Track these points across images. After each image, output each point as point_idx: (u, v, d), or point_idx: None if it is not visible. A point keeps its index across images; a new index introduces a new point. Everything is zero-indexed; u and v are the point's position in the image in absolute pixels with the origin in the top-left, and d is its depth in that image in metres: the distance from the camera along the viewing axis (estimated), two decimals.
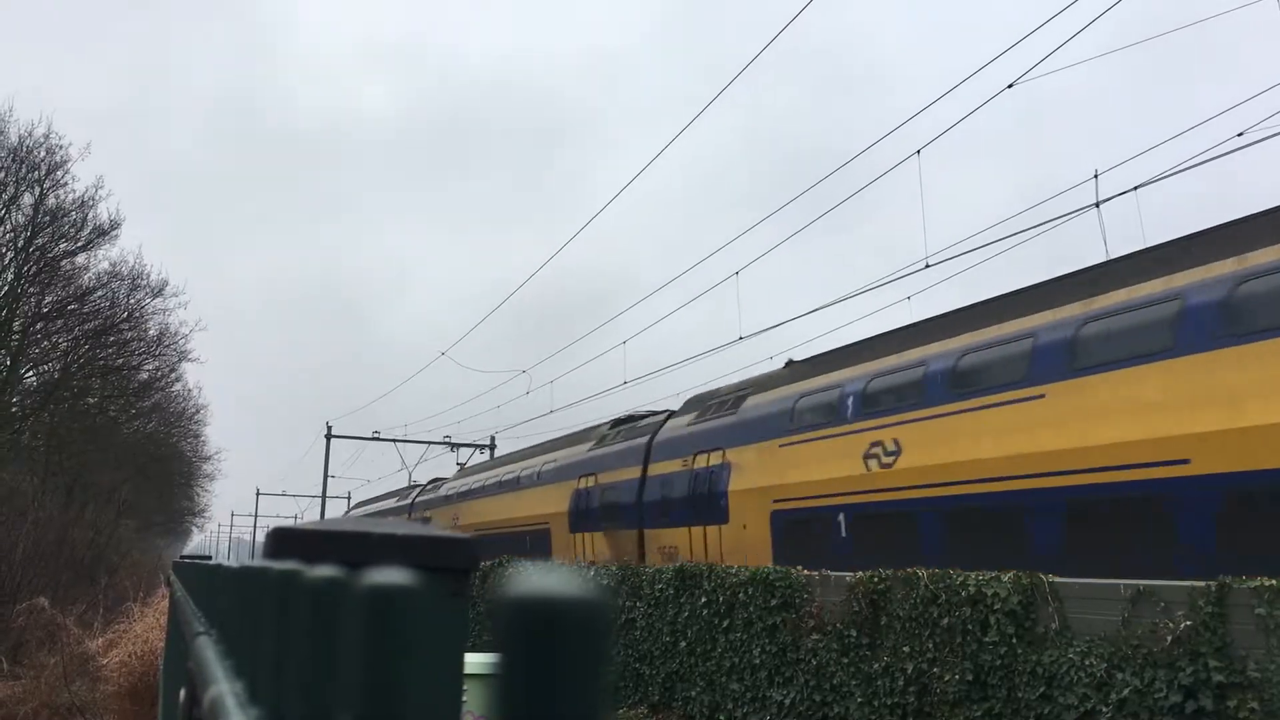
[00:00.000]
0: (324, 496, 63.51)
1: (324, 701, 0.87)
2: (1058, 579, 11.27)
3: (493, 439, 55.06)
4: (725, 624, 15.64)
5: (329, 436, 59.22)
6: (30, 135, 32.73)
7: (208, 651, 1.57)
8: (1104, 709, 10.02)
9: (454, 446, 55.71)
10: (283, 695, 0.96)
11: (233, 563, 1.79)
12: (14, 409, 36.17)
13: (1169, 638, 9.70)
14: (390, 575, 0.60)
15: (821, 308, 21.55)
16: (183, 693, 1.93)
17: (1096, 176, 15.22)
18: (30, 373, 37.32)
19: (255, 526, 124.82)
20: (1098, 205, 14.96)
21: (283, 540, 1.33)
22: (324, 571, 0.85)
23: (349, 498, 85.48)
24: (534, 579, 0.35)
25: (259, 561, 1.49)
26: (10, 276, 33.52)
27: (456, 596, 1.28)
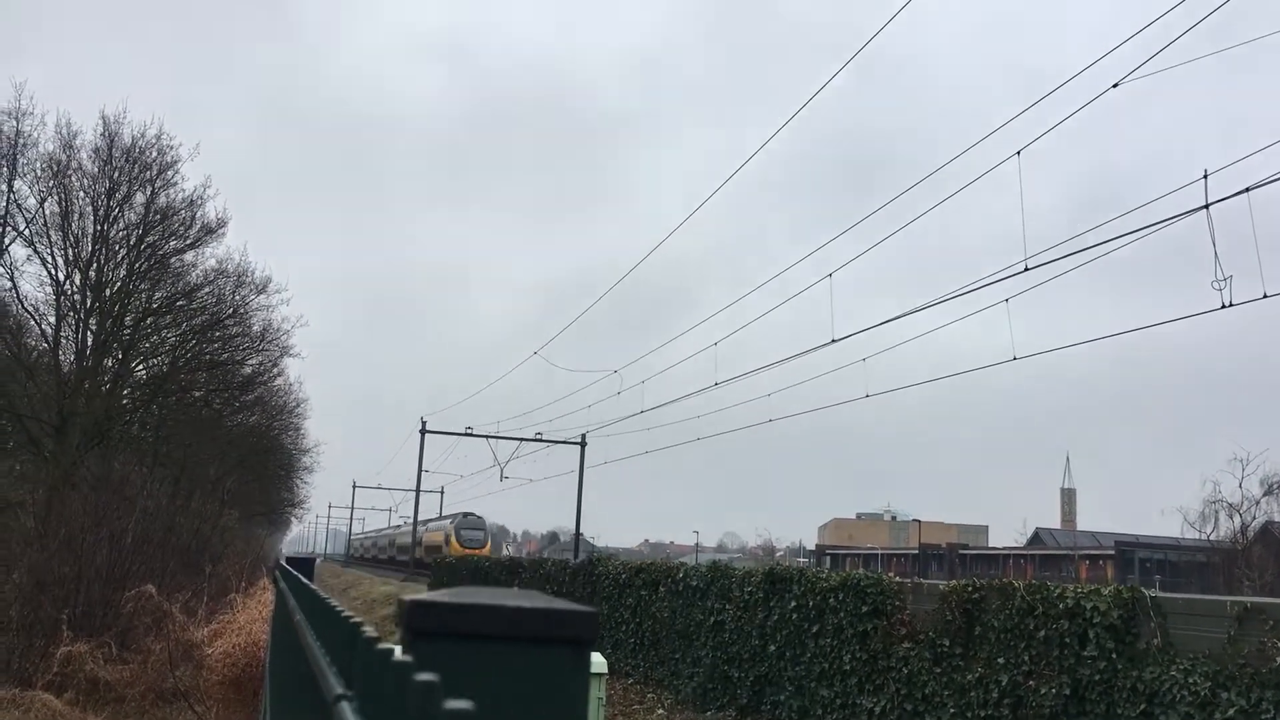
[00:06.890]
0: (418, 490, 64.68)
1: None
2: (1161, 594, 10.98)
3: (584, 437, 55.42)
4: (815, 629, 15.54)
5: (423, 432, 60.22)
6: (143, 136, 33.80)
7: None
8: None
9: (548, 444, 56.26)
10: None
11: (377, 640, 1.49)
12: (125, 401, 37.46)
13: (1278, 658, 9.39)
14: None
15: (914, 310, 21.22)
16: None
17: (1206, 177, 14.72)
18: (140, 366, 38.60)
19: (351, 519, 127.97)
20: (1207, 207, 14.49)
21: (422, 613, 1.41)
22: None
23: (442, 492, 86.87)
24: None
25: (403, 642, 1.44)
26: (123, 273, 34.70)
27: (578, 670, 1.33)
